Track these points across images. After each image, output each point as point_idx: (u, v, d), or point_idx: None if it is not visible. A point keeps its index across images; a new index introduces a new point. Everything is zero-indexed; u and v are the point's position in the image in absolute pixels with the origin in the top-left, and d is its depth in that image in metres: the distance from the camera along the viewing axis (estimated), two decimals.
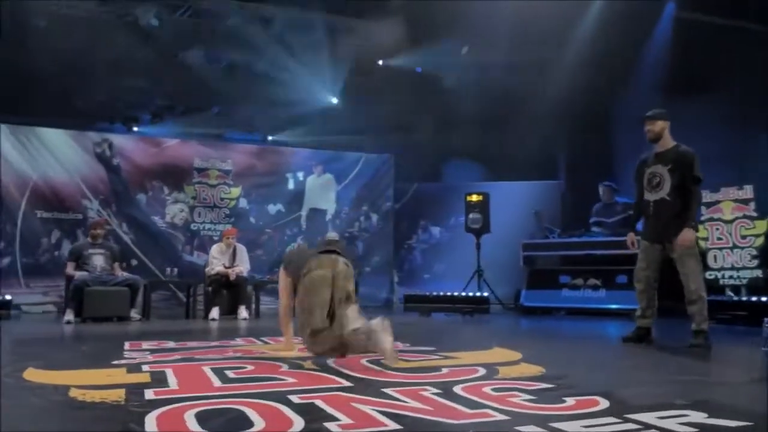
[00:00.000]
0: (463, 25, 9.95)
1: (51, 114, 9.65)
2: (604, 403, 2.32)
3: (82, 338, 5.15)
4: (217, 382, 2.77)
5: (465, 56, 10.70)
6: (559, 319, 7.43)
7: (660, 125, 4.44)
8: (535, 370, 3.14)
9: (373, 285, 9.87)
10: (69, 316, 6.41)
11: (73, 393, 2.47)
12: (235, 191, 9.30)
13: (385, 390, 2.54)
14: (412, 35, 10.72)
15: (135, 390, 2.52)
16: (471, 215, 9.04)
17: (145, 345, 4.25)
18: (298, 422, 2.01)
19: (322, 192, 9.85)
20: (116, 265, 7.03)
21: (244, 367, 3.19)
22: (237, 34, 10.34)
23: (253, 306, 7.63)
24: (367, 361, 3.37)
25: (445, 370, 3.13)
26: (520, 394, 2.49)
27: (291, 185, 9.70)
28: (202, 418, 2.06)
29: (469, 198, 9.14)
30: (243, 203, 9.35)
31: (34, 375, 2.91)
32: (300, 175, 9.77)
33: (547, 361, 3.55)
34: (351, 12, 10.59)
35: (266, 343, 4.48)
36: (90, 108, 10.24)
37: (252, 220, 9.36)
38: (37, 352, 3.99)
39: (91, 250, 6.87)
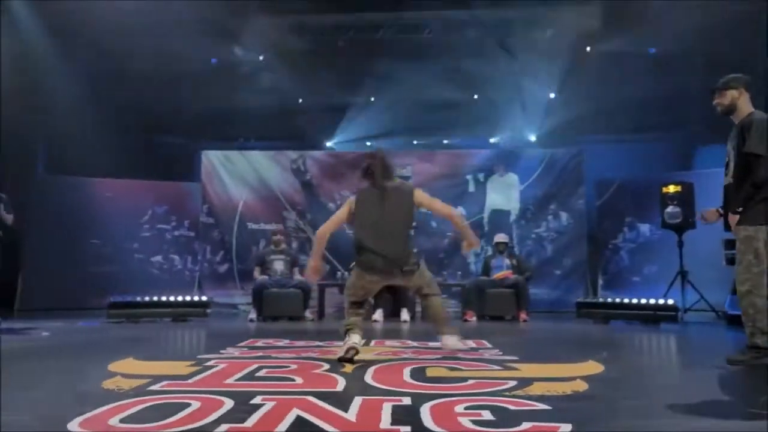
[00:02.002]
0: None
1: (263, 138, 11.18)
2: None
3: (232, 333, 5.71)
4: (233, 379, 2.95)
5: (675, 34, 9.43)
6: None
7: (730, 96, 3.53)
8: (569, 387, 2.72)
9: (564, 289, 9.25)
10: (252, 314, 7.33)
11: (107, 381, 2.87)
12: None
13: (358, 398, 2.46)
14: (618, 17, 9.88)
15: (154, 381, 2.84)
16: (668, 209, 7.92)
17: (261, 342, 4.67)
18: (209, 420, 2.09)
19: (504, 192, 9.56)
20: (296, 269, 7.79)
21: (288, 366, 3.34)
22: (439, 43, 10.67)
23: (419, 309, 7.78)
24: (411, 370, 3.27)
25: (470, 381, 2.89)
26: (486, 414, 2.21)
27: (472, 187, 9.61)
28: (148, 410, 2.26)
29: (665, 189, 8.02)
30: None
31: (119, 366, 3.41)
32: (481, 176, 9.63)
33: (617, 380, 3.06)
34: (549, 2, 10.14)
35: (367, 346, 4.57)
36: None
37: (433, 224, 9.50)
38: (168, 345, 4.66)
39: (273, 256, 7.73)
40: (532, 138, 10.56)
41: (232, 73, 12.18)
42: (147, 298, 6.92)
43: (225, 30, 11.55)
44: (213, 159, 9.68)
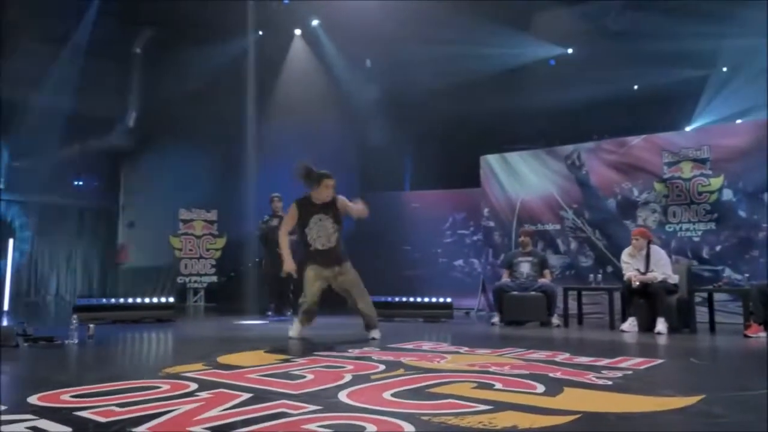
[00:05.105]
0: None
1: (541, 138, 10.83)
2: None
3: (420, 334, 5.69)
4: (259, 375, 3.18)
5: None
6: None
7: None
8: (530, 422, 2.12)
9: None
10: (495, 318, 7.20)
11: (173, 367, 3.42)
12: (716, 182, 7.80)
13: (280, 401, 2.47)
14: None
15: (205, 368, 3.31)
16: None
17: (412, 345, 4.65)
18: (116, 402, 2.44)
19: None
20: (546, 272, 7.33)
21: (345, 367, 3.40)
22: None
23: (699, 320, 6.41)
24: (426, 384, 2.97)
25: (442, 401, 2.52)
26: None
27: None
28: (117, 390, 2.73)
29: None
30: (727, 195, 7.72)
31: (228, 357, 3.92)
32: None
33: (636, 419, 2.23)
34: None
35: (501, 356, 4.15)
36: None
37: (742, 214, 7.61)
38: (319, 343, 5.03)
39: (520, 258, 7.43)
40: None
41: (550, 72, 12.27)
42: (397, 299, 7.53)
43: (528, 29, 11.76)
44: (491, 162, 9.80)
